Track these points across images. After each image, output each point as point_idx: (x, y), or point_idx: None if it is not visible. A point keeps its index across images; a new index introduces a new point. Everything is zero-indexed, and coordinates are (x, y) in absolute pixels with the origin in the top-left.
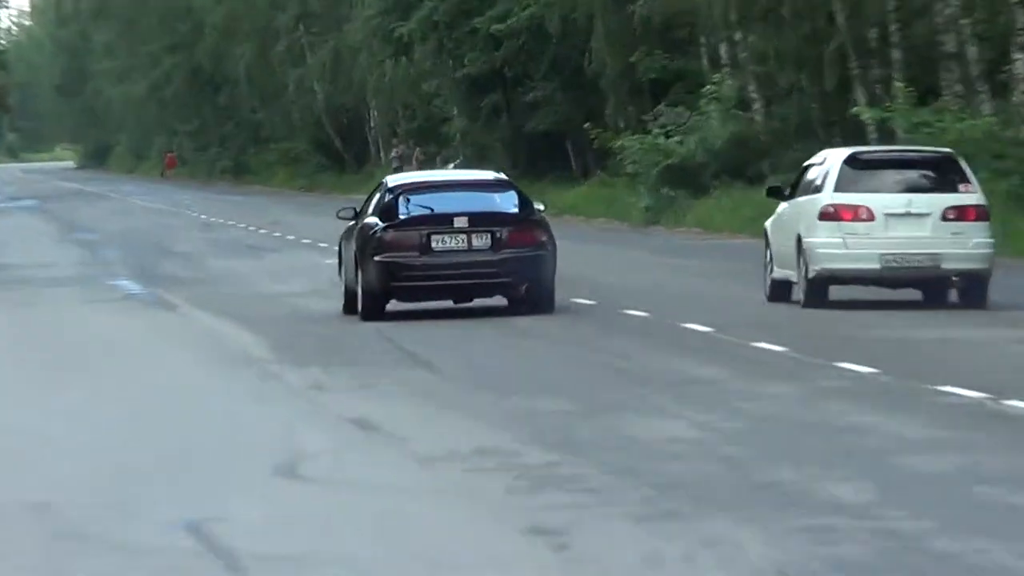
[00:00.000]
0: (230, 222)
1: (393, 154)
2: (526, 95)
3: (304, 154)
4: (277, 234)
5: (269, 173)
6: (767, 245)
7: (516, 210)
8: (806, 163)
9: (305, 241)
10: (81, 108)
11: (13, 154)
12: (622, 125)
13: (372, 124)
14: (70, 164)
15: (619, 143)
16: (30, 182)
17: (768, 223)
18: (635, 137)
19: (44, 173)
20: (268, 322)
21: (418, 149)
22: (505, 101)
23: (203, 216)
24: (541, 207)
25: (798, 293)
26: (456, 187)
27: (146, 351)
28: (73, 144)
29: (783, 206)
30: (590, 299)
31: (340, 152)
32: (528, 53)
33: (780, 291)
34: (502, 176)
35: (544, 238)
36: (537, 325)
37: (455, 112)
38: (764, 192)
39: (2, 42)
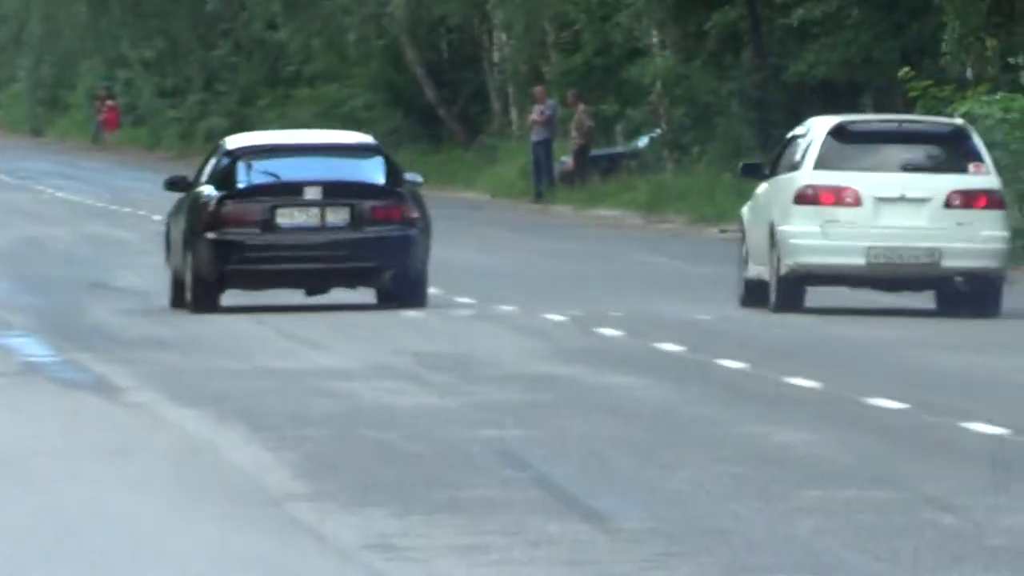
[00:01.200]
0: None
1: (535, 113)
2: (787, 16)
3: (365, 108)
4: None
5: None
6: (742, 238)
7: (382, 180)
8: (790, 134)
9: None
10: None
11: None
12: (968, 73)
13: (495, 58)
14: None
15: (963, 107)
16: None
17: (744, 209)
18: (998, 98)
19: None
20: (288, 422)
21: (582, 106)
22: (751, 23)
23: (159, 216)
24: (418, 179)
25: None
26: (310, 151)
27: (72, 487)
28: None
29: (762, 187)
30: None
31: (433, 107)
32: None
33: (756, 293)
34: (367, 139)
35: (415, 215)
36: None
37: (654, 41)
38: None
39: None
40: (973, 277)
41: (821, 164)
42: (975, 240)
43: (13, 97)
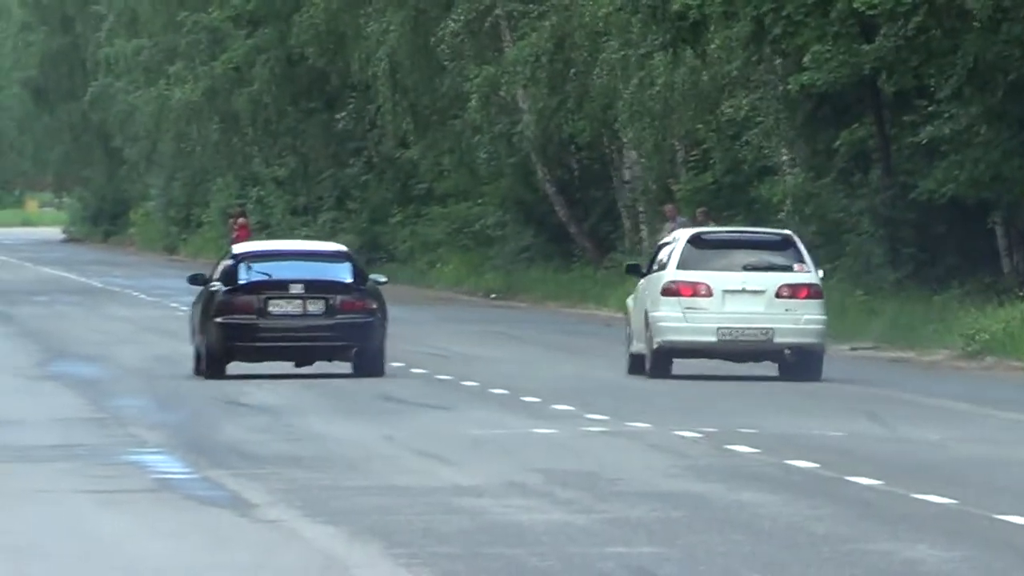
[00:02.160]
0: None
1: (667, 232)
2: (916, 134)
3: (496, 226)
4: (446, 377)
5: (425, 260)
6: (627, 322)
7: (350, 279)
8: (660, 242)
9: (499, 392)
10: (73, 131)
11: None
12: None
13: (625, 176)
14: (55, 233)
15: None
16: None
17: (628, 300)
18: None
19: (5, 248)
20: (420, 539)
21: (711, 224)
22: (881, 142)
23: None
24: (381, 279)
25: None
26: (295, 256)
27: None
28: (59, 195)
29: (641, 283)
30: None
31: (564, 225)
32: (927, 47)
33: (637, 364)
34: (341, 247)
35: (375, 306)
36: None
37: (784, 158)
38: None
39: None
40: (799, 350)
41: (682, 265)
42: (799, 322)
43: (146, 215)
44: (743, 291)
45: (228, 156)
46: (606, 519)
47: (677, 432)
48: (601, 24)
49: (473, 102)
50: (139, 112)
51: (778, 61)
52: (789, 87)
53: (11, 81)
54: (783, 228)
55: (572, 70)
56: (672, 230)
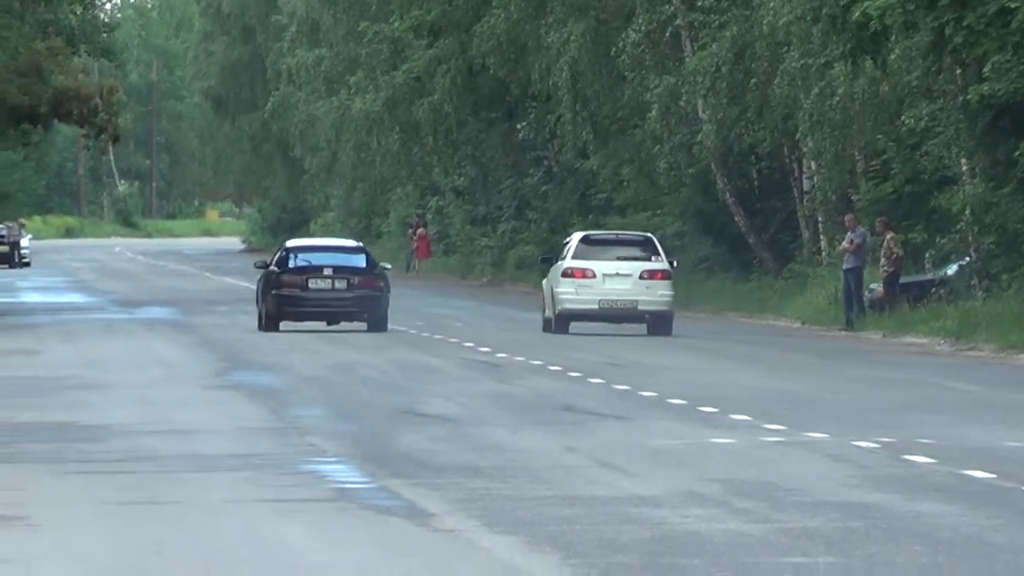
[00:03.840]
0: (535, 360)
1: (845, 241)
2: None
3: (676, 236)
4: (624, 387)
5: None
6: (543, 297)
7: (364, 265)
8: (565, 240)
9: (677, 402)
10: (253, 142)
11: (127, 220)
12: None
13: (805, 186)
14: (234, 243)
15: None
16: (159, 274)
17: (544, 281)
18: None
19: (186, 259)
20: (598, 550)
21: (891, 234)
22: None
23: (480, 347)
24: (387, 266)
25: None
26: (327, 249)
27: None
28: (239, 205)
29: (552, 269)
30: None
31: (744, 235)
32: None
33: (548, 326)
34: (359, 244)
35: (381, 284)
36: None
37: (963, 168)
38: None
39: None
40: (654, 315)
41: (575, 256)
42: (655, 295)
43: (326, 226)
44: (617, 274)
45: (408, 166)
46: (784, 529)
47: (854, 442)
48: (782, 34)
49: (653, 112)
50: (319, 122)
51: (958, 71)
52: (969, 97)
53: (192, 91)
54: (962, 239)
55: (752, 80)
56: (852, 240)
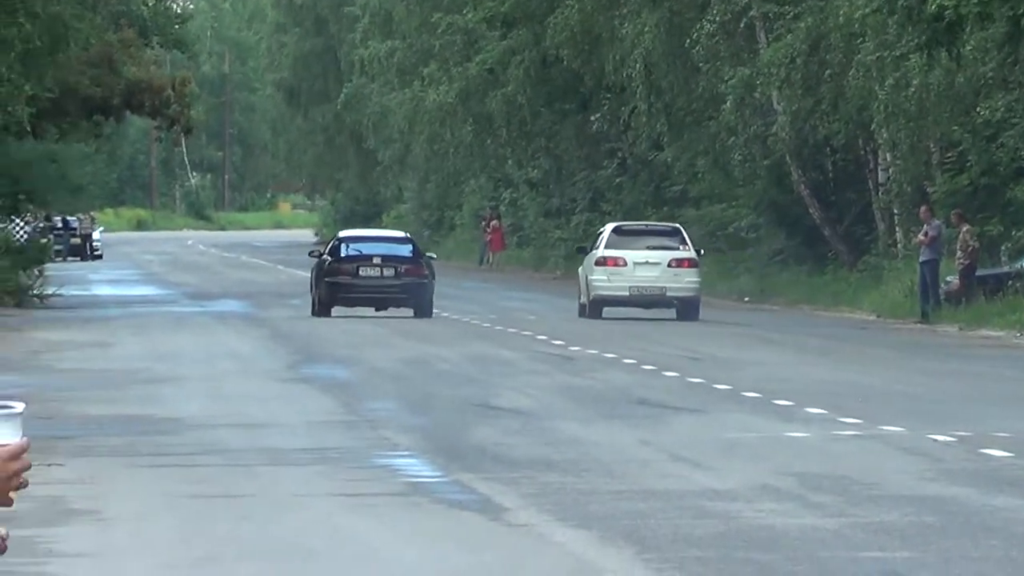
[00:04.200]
0: (609, 354)
1: (921, 234)
2: None
3: (750, 229)
4: (698, 379)
5: None
6: (579, 283)
7: (411, 255)
8: (598, 231)
9: (751, 395)
10: (326, 133)
11: (199, 212)
12: None
13: (880, 179)
14: (306, 235)
15: None
16: (231, 266)
17: (580, 268)
18: None
19: (258, 251)
20: (672, 544)
21: (966, 227)
22: None
23: (553, 340)
24: (433, 256)
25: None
26: (377, 240)
27: None
28: (311, 197)
29: (586, 258)
30: None
31: (818, 227)
32: None
33: (583, 311)
34: (406, 234)
35: (427, 272)
36: None
37: None
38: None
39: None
40: (682, 301)
41: (608, 246)
42: (682, 282)
43: (399, 218)
44: (647, 263)
45: (481, 158)
46: (859, 523)
47: (931, 436)
48: (856, 25)
49: (728, 104)
50: (392, 114)
51: None
52: None
53: (265, 83)
54: None
55: (827, 71)
56: (927, 233)
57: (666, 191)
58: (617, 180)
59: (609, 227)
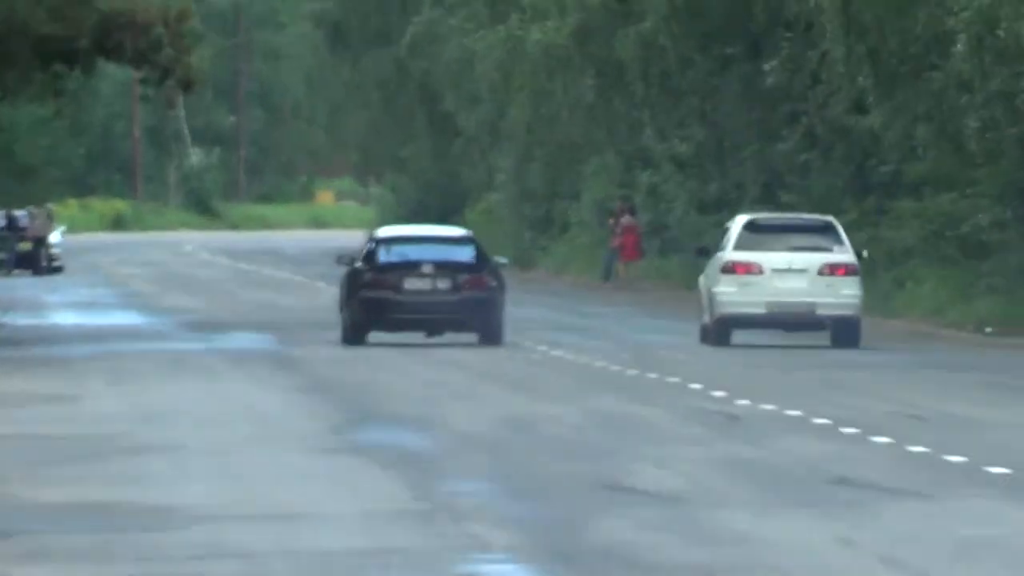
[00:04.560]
0: (792, 411)
1: None
2: None
3: (994, 227)
4: (922, 448)
5: (890, 276)
6: (700, 297)
7: (472, 260)
8: (724, 225)
9: (998, 471)
10: (385, 91)
11: (203, 205)
12: None
13: None
14: (357, 237)
15: None
16: (249, 284)
17: (700, 278)
18: None
19: (289, 261)
20: None
21: None
22: None
23: (712, 391)
24: (503, 260)
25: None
26: (427, 240)
27: None
28: (363, 183)
29: (710, 262)
30: None
31: None
32: None
33: (705, 335)
34: (467, 232)
35: (495, 283)
36: None
37: None
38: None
39: None
40: (837, 321)
41: (738, 246)
42: (838, 296)
43: (489, 212)
44: (790, 269)
45: (607, 125)
46: None
47: None
48: None
49: (959, 46)
50: (480, 62)
51: None
52: None
53: (298, 17)
54: None
55: None
56: None
57: (871, 173)
58: (802, 157)
59: (740, 221)
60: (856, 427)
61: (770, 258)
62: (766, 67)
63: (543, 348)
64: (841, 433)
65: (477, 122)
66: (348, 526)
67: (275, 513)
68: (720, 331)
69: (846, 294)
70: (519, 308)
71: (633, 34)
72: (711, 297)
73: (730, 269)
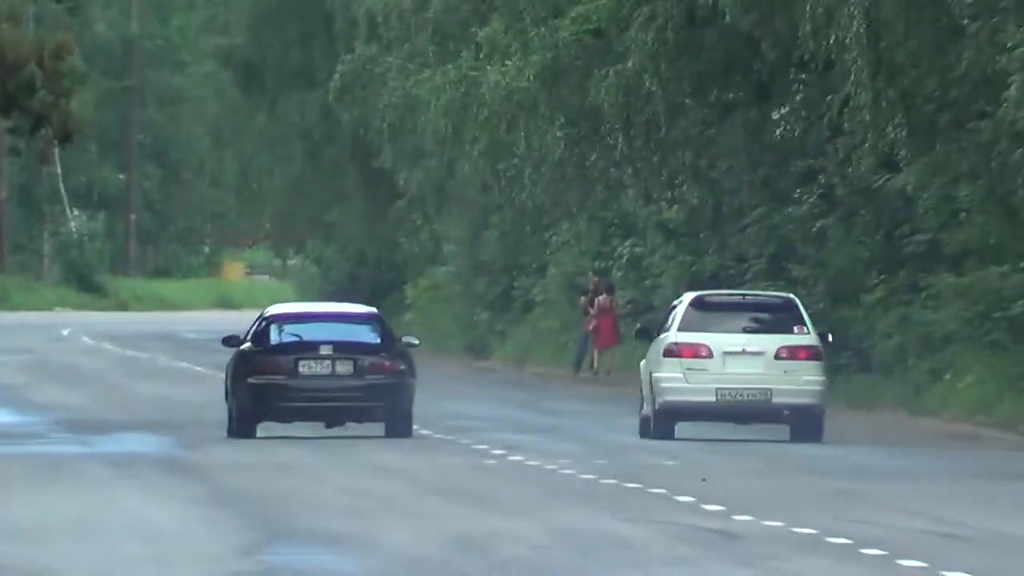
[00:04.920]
0: (803, 528)
1: None
2: None
3: None
4: (913, 563)
5: (926, 366)
6: (641, 384)
7: (378, 340)
8: (672, 304)
9: None
10: (308, 142)
11: (84, 280)
12: None
13: None
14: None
15: None
16: (140, 375)
17: (642, 363)
18: None
19: (188, 347)
20: None
21: None
22: None
23: (704, 504)
24: (414, 341)
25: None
26: (325, 318)
27: None
28: (281, 254)
29: (652, 344)
30: None
31: None
32: None
33: (646, 428)
34: (371, 309)
35: (403, 367)
36: None
37: None
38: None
39: None
40: (797, 411)
41: (683, 327)
42: (798, 383)
43: (434, 290)
44: (743, 352)
45: (581, 185)
46: None
47: None
48: None
49: (1012, 90)
50: (425, 109)
51: None
52: None
53: (201, 54)
54: None
55: None
56: None
57: (903, 243)
58: (818, 224)
59: (687, 298)
60: (881, 548)
61: (720, 340)
62: (775, 115)
63: (499, 452)
64: (863, 555)
65: (421, 181)
66: None
67: None
68: (663, 423)
69: (807, 380)
70: (470, 404)
71: (612, 75)
72: (653, 384)
73: (675, 352)
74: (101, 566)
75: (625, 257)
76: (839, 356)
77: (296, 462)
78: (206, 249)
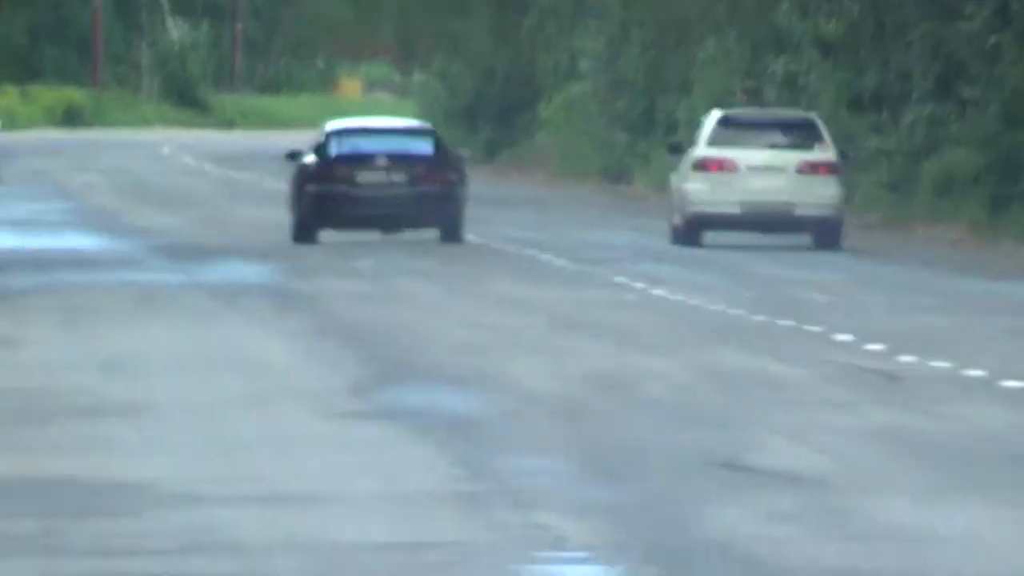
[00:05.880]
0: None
1: None
2: None
3: None
4: None
5: None
6: (671, 197)
7: (431, 152)
8: (699, 119)
9: None
10: None
11: (186, 95)
12: None
13: None
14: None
15: None
16: (245, 198)
17: (672, 175)
18: None
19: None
20: None
21: None
22: None
23: (865, 344)
24: (466, 153)
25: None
26: (383, 132)
27: None
28: (404, 69)
29: (682, 160)
30: None
31: None
32: None
33: (677, 235)
34: (427, 124)
35: (454, 178)
36: None
37: None
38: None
39: None
40: (816, 221)
41: (711, 143)
42: (817, 196)
43: (566, 110)
44: (766, 167)
45: None
46: None
47: None
48: None
49: None
50: None
51: None
52: None
53: None
54: None
55: None
56: None
57: None
58: (992, 40)
59: (714, 116)
60: None
61: (745, 155)
62: None
63: (640, 285)
64: None
65: None
66: (374, 512)
67: (277, 494)
68: (691, 231)
69: (826, 194)
70: (608, 232)
71: None
72: (682, 195)
73: (702, 166)
74: (202, 401)
75: (779, 75)
76: (1013, 184)
77: (413, 292)
78: (320, 63)
